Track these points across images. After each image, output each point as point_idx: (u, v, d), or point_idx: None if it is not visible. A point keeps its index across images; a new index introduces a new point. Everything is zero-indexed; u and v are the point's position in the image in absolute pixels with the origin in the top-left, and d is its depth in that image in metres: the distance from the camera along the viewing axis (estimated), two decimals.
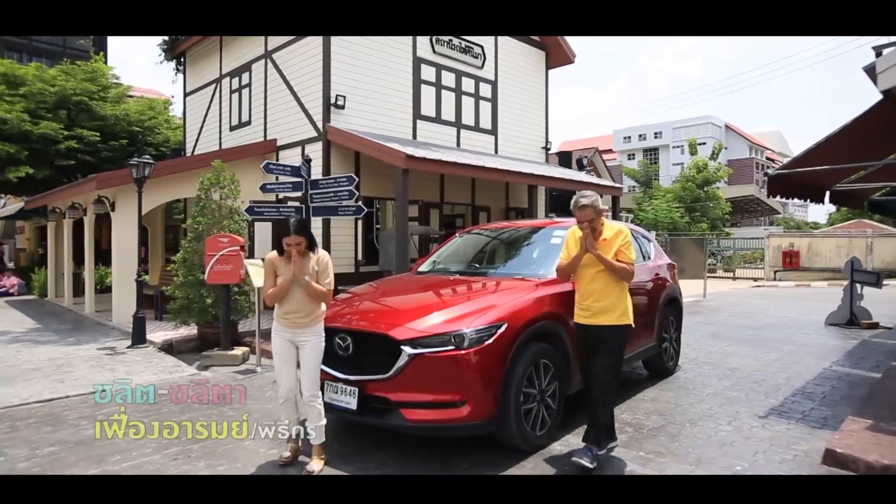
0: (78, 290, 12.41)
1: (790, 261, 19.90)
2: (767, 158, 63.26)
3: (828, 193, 6.69)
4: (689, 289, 14.14)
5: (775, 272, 20.14)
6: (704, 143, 42.70)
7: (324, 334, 3.62)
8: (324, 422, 3.57)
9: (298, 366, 3.63)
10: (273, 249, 3.71)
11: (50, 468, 3.65)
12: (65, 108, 15.03)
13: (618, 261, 3.55)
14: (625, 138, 67.28)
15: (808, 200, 6.32)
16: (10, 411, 4.89)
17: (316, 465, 3.52)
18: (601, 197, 13.20)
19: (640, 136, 66.20)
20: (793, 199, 6.03)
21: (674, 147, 62.02)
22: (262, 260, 3.82)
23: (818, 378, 5.87)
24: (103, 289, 12.54)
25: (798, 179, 5.42)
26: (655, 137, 64.66)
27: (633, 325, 3.70)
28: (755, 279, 20.54)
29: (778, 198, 5.79)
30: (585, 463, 3.40)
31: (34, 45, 32.80)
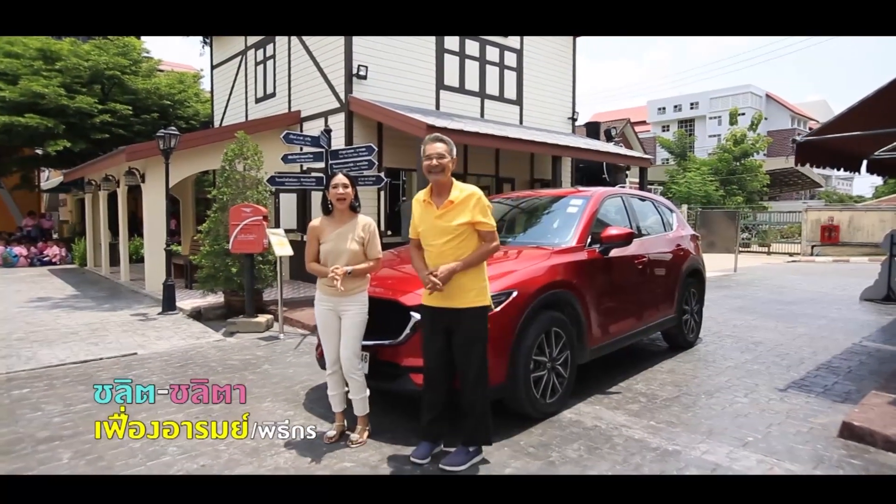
0: (114, 259, 12.90)
1: (829, 235, 19.16)
2: (810, 129, 60.43)
3: (865, 162, 6.38)
4: (720, 263, 13.85)
5: (812, 247, 19.44)
6: (744, 114, 41.08)
7: (367, 304, 3.47)
8: (366, 393, 3.48)
9: None
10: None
11: (81, 423, 3.86)
12: (99, 83, 15.38)
13: (478, 230, 3.12)
14: (659, 109, 65.13)
15: (843, 169, 6.02)
16: (49, 370, 5.17)
17: (359, 436, 3.47)
18: (628, 168, 12.92)
19: (676, 107, 63.96)
20: (825, 167, 5.77)
21: (710, 118, 59.80)
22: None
23: (846, 353, 5.70)
24: (138, 258, 13.00)
25: (830, 146, 5.17)
26: (691, 108, 62.41)
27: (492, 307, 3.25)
28: (791, 254, 19.89)
29: (808, 166, 5.55)
30: (455, 468, 3.11)
31: None
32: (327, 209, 3.50)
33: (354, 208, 3.51)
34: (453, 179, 3.25)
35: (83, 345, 6.12)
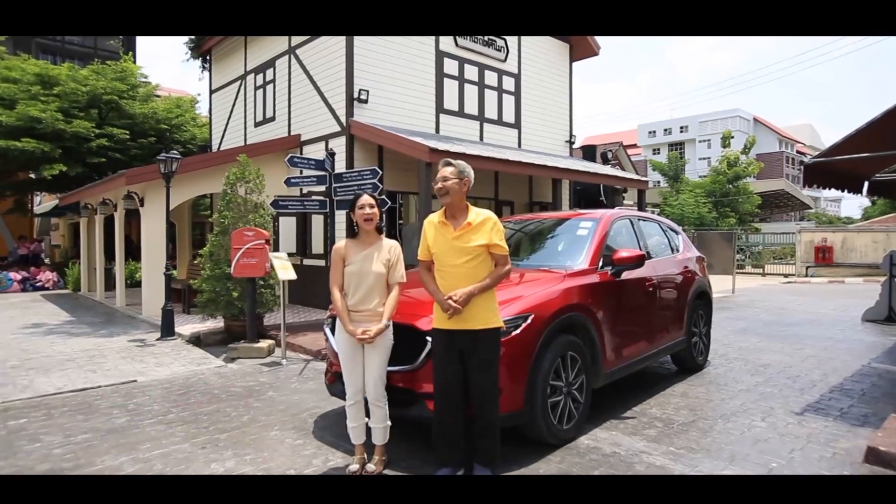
0: (109, 284, 12.74)
1: (823, 256, 19.32)
2: (798, 152, 61.59)
3: (866, 184, 6.45)
4: (718, 285, 13.80)
5: (807, 268, 19.59)
6: (734, 137, 41.77)
7: (391, 329, 3.38)
8: (388, 423, 3.39)
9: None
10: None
11: (83, 455, 3.72)
12: (96, 107, 15.37)
13: (493, 253, 3.16)
14: (649, 133, 66.21)
15: (846, 191, 6.08)
16: (46, 400, 5.01)
17: (374, 467, 3.34)
18: (626, 191, 12.93)
19: (666, 130, 65.09)
20: (829, 188, 5.82)
21: (700, 141, 60.85)
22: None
23: (856, 375, 5.66)
24: (133, 283, 12.84)
25: (836, 168, 5.22)
26: (681, 132, 63.51)
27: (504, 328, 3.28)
28: (786, 275, 20.03)
29: (814, 188, 5.60)
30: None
31: (67, 47, 33.74)
32: (353, 231, 3.42)
33: (380, 230, 3.45)
34: (468, 203, 3.27)
35: (81, 372, 5.97)
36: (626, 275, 4.55)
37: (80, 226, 14.36)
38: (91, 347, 7.25)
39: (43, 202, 22.42)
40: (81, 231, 14.08)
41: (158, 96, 17.98)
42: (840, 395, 4.94)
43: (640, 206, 12.40)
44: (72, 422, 4.41)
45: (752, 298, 12.78)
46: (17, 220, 20.48)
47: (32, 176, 16.23)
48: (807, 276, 19.28)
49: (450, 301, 3.09)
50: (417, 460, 3.57)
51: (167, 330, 7.71)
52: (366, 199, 3.38)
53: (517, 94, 12.45)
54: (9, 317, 10.27)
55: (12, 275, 15.58)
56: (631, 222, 5.34)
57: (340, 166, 9.37)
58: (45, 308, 11.65)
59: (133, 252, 14.23)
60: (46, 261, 20.09)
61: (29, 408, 4.77)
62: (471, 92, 11.49)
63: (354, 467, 3.37)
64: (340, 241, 3.48)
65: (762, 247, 23.69)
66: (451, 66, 11.07)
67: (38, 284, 15.79)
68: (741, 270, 20.89)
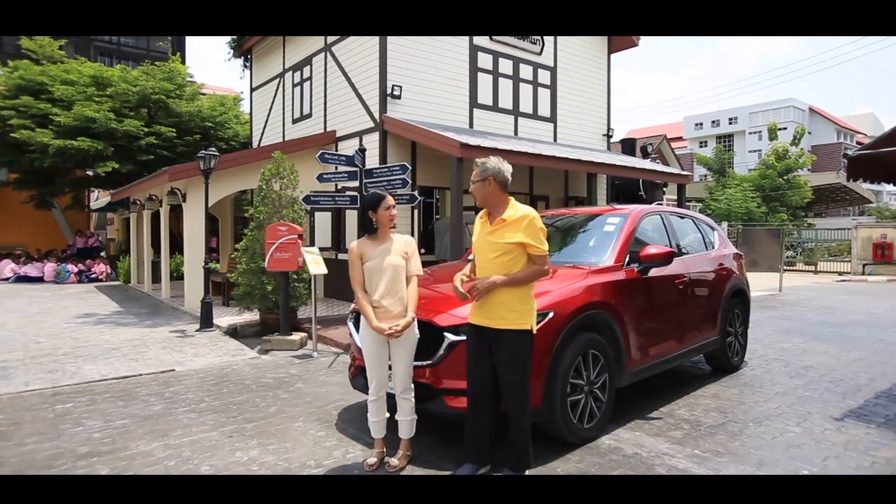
0: (156, 276, 13.30)
1: (882, 253, 18.26)
2: (857, 143, 58.27)
3: None
4: (764, 283, 13.34)
5: (864, 266, 18.56)
6: (785, 129, 39.87)
7: (416, 323, 3.42)
8: (415, 417, 3.45)
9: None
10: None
11: (119, 440, 3.91)
12: (145, 107, 16.04)
13: (528, 253, 3.07)
14: (696, 125, 63.92)
15: None
16: (91, 386, 5.29)
17: (398, 461, 3.40)
18: (665, 185, 12.54)
19: (714, 122, 62.71)
20: (879, 183, 5.48)
21: (750, 133, 58.37)
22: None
23: None
24: (179, 276, 13.36)
25: (886, 160, 4.89)
26: (730, 123, 61.05)
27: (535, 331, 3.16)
28: (840, 273, 19.03)
29: (861, 182, 5.29)
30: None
31: (122, 49, 35.32)
32: (373, 228, 3.46)
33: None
34: (510, 199, 3.23)
35: (124, 360, 6.27)
36: (654, 272, 4.43)
37: (130, 220, 15.04)
38: (135, 337, 7.60)
39: (100, 198, 23.58)
40: (131, 225, 14.75)
41: (204, 94, 18.59)
42: (887, 402, 4.67)
43: (680, 201, 12.02)
44: (112, 407, 4.64)
45: (801, 297, 12.22)
46: (76, 216, 21.66)
47: (89, 173, 17.09)
48: (863, 274, 18.29)
49: (472, 284, 3.11)
50: (436, 456, 3.59)
51: (206, 321, 8.00)
52: (392, 199, 3.49)
53: (553, 87, 12.26)
54: (64, 307, 10.87)
55: (70, 267, 16.48)
56: (662, 218, 5.18)
57: (374, 162, 9.48)
58: (97, 299, 12.27)
59: (179, 246, 14.80)
60: (102, 254, 21.14)
61: (75, 393, 5.05)
62: (505, 86, 11.39)
63: (372, 461, 3.42)
64: (353, 242, 3.54)
65: (815, 243, 22.55)
66: (485, 61, 11.00)
67: (92, 276, 16.64)
68: (791, 268, 20.00)
